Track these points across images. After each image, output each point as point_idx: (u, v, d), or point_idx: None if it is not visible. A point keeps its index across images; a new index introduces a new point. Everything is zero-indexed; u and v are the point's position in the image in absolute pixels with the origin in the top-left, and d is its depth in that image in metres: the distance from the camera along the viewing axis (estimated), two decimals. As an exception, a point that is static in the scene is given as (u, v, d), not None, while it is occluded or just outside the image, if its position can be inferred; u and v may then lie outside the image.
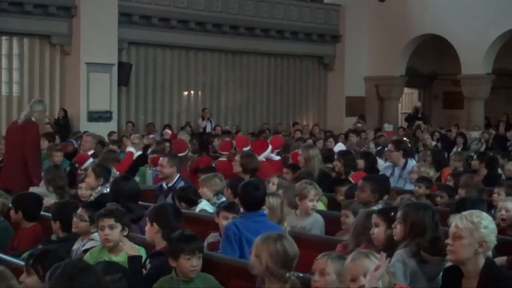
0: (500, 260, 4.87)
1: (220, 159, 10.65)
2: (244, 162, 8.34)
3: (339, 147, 13.41)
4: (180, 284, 4.60)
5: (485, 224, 4.02)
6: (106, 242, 5.19)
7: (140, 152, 11.23)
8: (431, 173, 9.02)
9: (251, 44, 20.42)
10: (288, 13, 21.05)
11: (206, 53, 19.92)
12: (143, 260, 4.95)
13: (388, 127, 19.17)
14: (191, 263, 4.58)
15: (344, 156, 9.16)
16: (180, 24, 18.73)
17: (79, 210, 5.66)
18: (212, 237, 6.00)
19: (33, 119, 9.40)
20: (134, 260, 4.82)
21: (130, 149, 10.79)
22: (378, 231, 4.73)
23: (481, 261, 4.03)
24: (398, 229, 4.63)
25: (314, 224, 6.45)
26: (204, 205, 7.18)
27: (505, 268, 4.62)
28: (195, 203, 7.22)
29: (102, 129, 15.13)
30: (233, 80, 20.71)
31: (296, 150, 11.19)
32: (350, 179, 8.23)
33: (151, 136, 15.04)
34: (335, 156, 9.20)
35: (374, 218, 4.77)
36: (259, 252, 4.26)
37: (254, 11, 20.20)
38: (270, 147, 10.18)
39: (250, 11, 20.12)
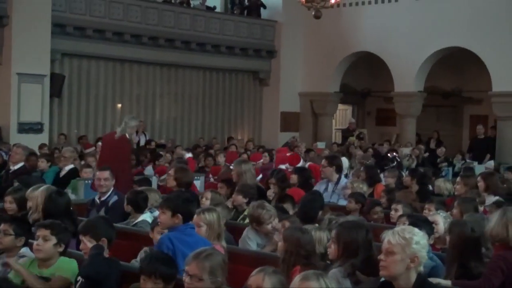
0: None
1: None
2: (179, 177, 8.28)
3: (343, 162, 13.68)
4: None
5: (417, 240, 4.07)
6: (36, 253, 5.14)
7: (72, 166, 11.08)
8: (365, 188, 9.12)
9: (187, 58, 20.34)
10: (224, 27, 21.07)
11: (141, 66, 19.75)
12: (75, 277, 4.91)
13: (320, 145, 19.34)
14: (145, 285, 4.50)
15: (277, 175, 9.15)
16: (115, 36, 18.52)
17: (2, 225, 5.52)
18: (145, 251, 5.92)
19: (127, 135, 10.23)
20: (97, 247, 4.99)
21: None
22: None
23: (413, 276, 4.07)
24: (332, 249, 4.66)
25: None
26: (147, 217, 7.10)
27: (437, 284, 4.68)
28: (141, 210, 7.14)
29: (33, 141, 14.81)
30: (168, 93, 20.57)
31: (310, 163, 11.74)
32: None
33: (89, 150, 14.78)
34: (270, 179, 9.16)
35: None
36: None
37: (190, 24, 20.14)
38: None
39: (186, 24, 20.06)
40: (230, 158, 12.92)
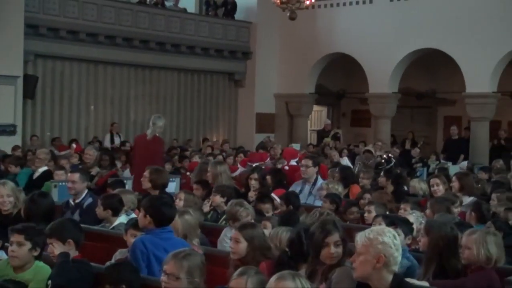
0: None
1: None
2: (154, 178, 8.23)
3: (345, 161, 13.91)
4: None
5: (382, 240, 4.04)
6: (11, 260, 5.08)
7: (45, 168, 10.99)
8: (340, 189, 9.14)
9: (162, 59, 20.25)
10: (199, 29, 21.01)
11: (116, 67, 19.63)
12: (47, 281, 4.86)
13: (296, 146, 19.37)
14: None
15: (260, 172, 9.21)
16: (89, 37, 18.38)
17: None
18: (120, 253, 5.90)
19: (157, 135, 10.88)
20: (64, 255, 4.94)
21: None
22: None
23: (387, 277, 4.05)
24: (340, 250, 4.75)
25: None
26: (123, 219, 7.05)
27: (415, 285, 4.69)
28: (118, 213, 7.06)
29: (6, 143, 14.69)
30: (142, 95, 20.46)
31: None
32: (273, 195, 8.24)
33: (64, 152, 14.64)
34: (252, 174, 9.17)
35: None
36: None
37: (165, 26, 20.06)
38: None
39: (161, 26, 19.98)
40: (252, 159, 13.24)
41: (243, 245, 5.13)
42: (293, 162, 12.06)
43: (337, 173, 10.59)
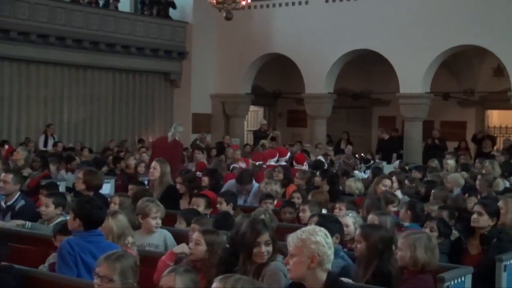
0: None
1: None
2: (88, 179, 8.10)
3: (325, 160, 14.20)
4: None
5: (315, 240, 4.09)
6: None
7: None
8: (278, 189, 9.19)
9: (96, 59, 19.96)
10: (134, 28, 20.81)
11: (48, 67, 19.24)
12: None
13: (235, 141, 19.47)
14: None
15: (185, 175, 9.20)
16: (20, 36, 17.97)
17: None
18: (53, 257, 5.80)
19: (177, 138, 12.17)
20: None
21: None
22: None
23: (322, 276, 4.10)
24: (270, 249, 4.90)
25: (167, 240, 6.42)
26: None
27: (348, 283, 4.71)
28: None
29: None
30: (76, 95, 20.10)
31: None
32: None
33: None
34: (179, 177, 9.15)
35: None
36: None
37: (99, 25, 19.78)
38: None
39: (95, 25, 19.69)
40: (256, 158, 13.54)
41: (203, 248, 5.22)
42: (271, 162, 12.43)
43: (281, 172, 10.66)
